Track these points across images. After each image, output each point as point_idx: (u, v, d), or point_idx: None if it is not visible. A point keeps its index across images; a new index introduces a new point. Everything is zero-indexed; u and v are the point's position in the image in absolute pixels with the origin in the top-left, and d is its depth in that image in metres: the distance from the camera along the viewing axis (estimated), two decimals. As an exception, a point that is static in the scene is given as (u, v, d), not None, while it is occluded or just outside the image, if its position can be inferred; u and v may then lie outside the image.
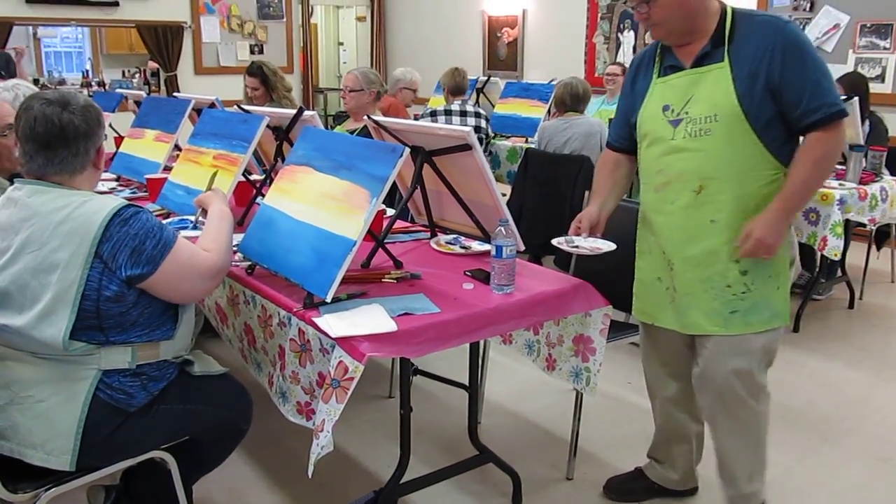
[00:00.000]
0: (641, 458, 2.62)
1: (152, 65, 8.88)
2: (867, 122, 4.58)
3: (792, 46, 2.00)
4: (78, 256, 1.75)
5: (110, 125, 1.93)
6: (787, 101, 2.02)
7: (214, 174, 2.49)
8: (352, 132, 3.93)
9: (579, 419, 2.68)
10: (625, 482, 2.61)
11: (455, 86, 5.22)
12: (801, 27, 2.12)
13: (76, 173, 1.87)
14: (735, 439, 2.28)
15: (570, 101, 4.62)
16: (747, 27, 2.07)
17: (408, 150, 2.03)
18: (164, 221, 2.69)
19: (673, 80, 2.16)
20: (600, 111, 5.88)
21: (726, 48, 2.06)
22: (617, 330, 2.62)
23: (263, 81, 4.70)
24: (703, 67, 2.10)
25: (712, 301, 2.15)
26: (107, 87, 9.03)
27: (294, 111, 2.87)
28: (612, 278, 2.36)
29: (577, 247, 2.20)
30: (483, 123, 5.00)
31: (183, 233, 2.53)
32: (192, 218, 2.61)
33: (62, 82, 9.63)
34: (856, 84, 4.60)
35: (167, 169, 3.26)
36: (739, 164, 2.07)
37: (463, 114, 4.96)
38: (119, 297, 1.80)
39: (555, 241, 2.22)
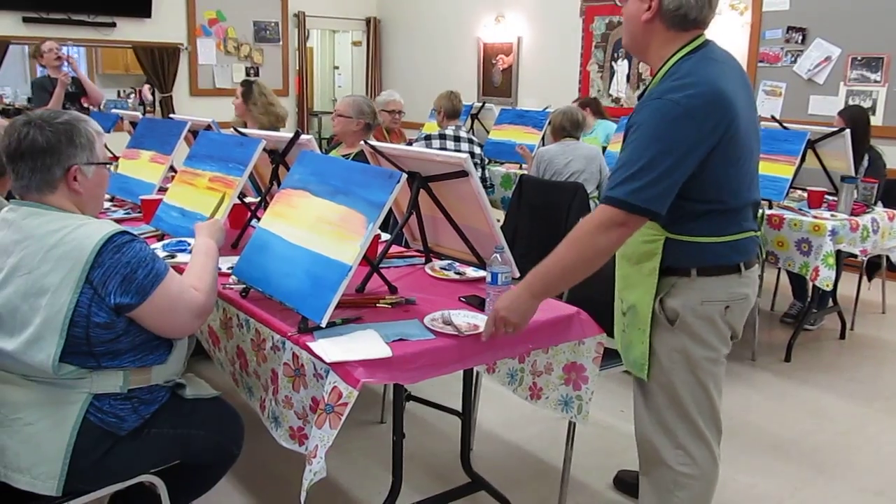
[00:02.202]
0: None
1: (146, 93, 8.86)
2: (866, 157, 4.60)
3: (635, 120, 1.90)
4: (69, 281, 1.73)
5: (105, 146, 1.92)
6: None
7: (222, 198, 2.48)
8: (345, 157, 3.94)
9: (572, 447, 2.66)
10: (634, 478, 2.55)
11: (453, 109, 5.26)
12: (689, 96, 1.79)
13: (44, 192, 1.85)
14: (647, 484, 2.18)
15: (570, 126, 4.66)
16: (658, 86, 1.94)
17: (405, 175, 2.04)
18: (161, 243, 2.69)
19: None
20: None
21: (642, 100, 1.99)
22: (610, 358, 2.61)
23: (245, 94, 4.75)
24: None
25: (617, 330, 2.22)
26: (101, 107, 9.02)
27: (278, 128, 2.88)
28: (605, 305, 2.36)
29: (450, 324, 2.02)
30: (477, 150, 5.03)
31: (180, 256, 2.53)
32: (191, 241, 2.61)
33: (29, 100, 9.58)
34: (856, 118, 4.63)
35: (162, 190, 3.26)
36: None
37: (457, 139, 4.98)
38: (109, 324, 1.78)
39: (427, 320, 2.05)
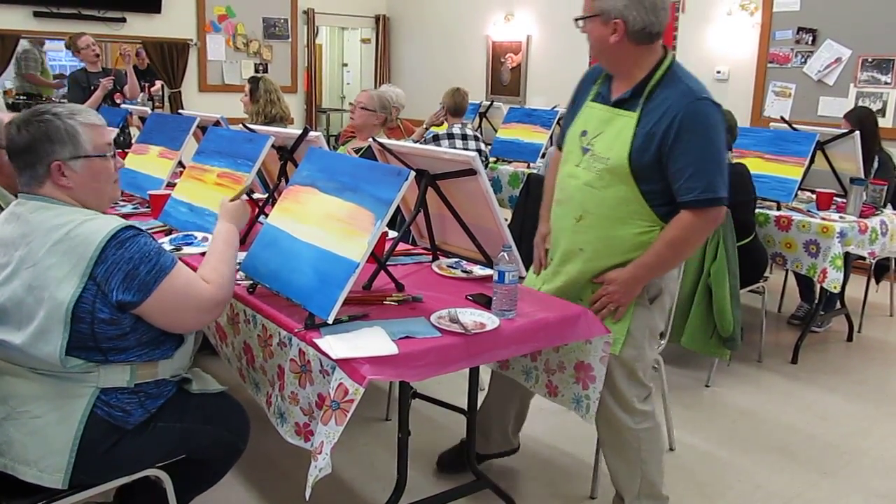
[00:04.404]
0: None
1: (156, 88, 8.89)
2: (876, 159, 4.57)
3: (690, 122, 2.08)
4: (73, 276, 1.73)
5: (115, 140, 1.93)
6: (671, 173, 2.13)
7: (244, 188, 2.46)
8: (357, 150, 3.95)
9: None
10: (452, 455, 2.83)
11: (455, 106, 5.25)
12: (715, 106, 2.14)
13: (34, 187, 1.86)
14: (615, 456, 2.43)
15: None
16: (668, 88, 2.14)
17: (413, 173, 2.04)
18: (169, 238, 2.69)
19: (597, 109, 2.29)
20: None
21: (643, 101, 2.16)
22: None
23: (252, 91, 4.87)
24: (619, 110, 2.21)
25: None
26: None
27: (295, 129, 2.89)
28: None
29: (457, 322, 1.99)
30: (483, 147, 5.04)
31: (187, 249, 2.53)
32: (198, 235, 2.61)
33: (65, 96, 9.66)
34: (863, 119, 4.60)
35: (170, 185, 3.26)
36: (615, 208, 2.21)
37: (464, 137, 4.98)
38: (113, 320, 1.78)
39: (433, 317, 2.03)
